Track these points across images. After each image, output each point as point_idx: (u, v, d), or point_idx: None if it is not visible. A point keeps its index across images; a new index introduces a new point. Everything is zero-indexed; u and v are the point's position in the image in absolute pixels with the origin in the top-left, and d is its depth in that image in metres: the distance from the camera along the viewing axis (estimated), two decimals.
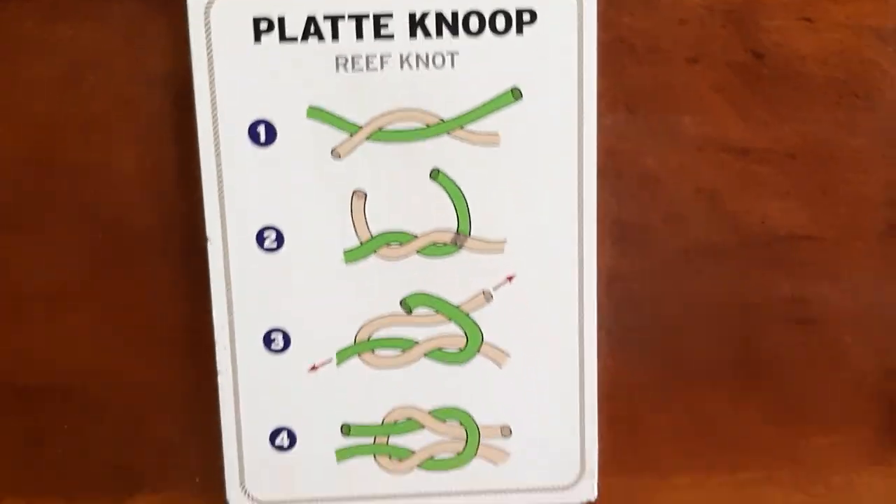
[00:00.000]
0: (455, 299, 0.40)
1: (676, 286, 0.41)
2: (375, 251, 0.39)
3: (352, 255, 0.39)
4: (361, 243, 0.39)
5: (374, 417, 0.40)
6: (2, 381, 0.40)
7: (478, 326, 0.40)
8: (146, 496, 0.41)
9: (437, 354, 0.40)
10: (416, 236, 0.39)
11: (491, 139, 0.38)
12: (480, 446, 0.41)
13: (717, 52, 0.39)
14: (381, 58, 0.37)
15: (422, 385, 0.40)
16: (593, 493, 0.42)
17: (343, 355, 0.40)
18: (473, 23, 0.37)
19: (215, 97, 0.37)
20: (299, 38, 0.37)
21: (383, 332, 0.40)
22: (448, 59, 0.38)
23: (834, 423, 0.42)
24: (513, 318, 0.40)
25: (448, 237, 0.39)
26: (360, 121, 0.38)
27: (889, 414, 0.42)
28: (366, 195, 0.38)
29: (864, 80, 0.39)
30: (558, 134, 0.38)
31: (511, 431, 0.41)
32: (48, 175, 0.38)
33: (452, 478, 0.41)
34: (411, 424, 0.41)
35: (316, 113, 0.38)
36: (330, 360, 0.40)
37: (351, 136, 0.38)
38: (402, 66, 0.38)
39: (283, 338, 0.40)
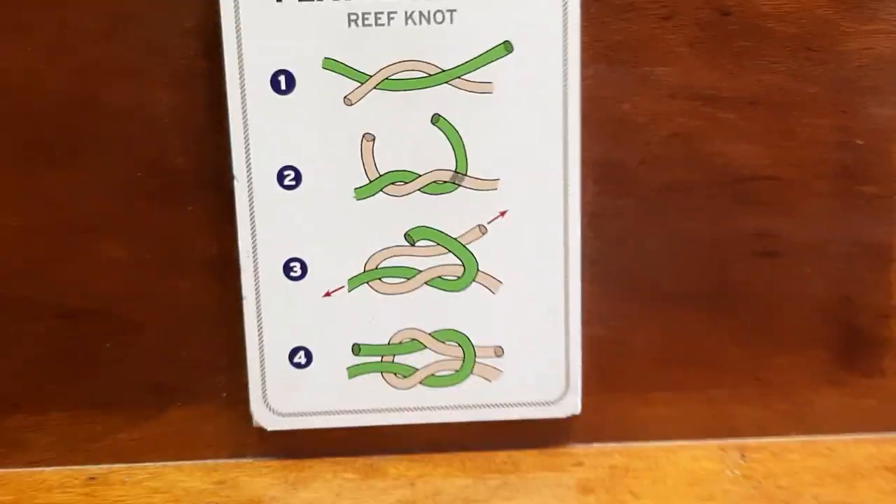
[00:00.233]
0: (453, 232, 0.44)
1: (652, 221, 0.45)
2: (382, 189, 0.43)
3: (361, 192, 0.43)
4: (370, 181, 0.43)
5: (382, 338, 0.45)
6: (48, 304, 0.44)
7: (473, 257, 0.44)
8: (178, 409, 0.45)
9: (438, 282, 0.45)
10: (418, 175, 0.43)
11: (485, 87, 0.42)
12: (476, 365, 0.46)
13: (688, 11, 0.43)
14: (388, 14, 0.42)
15: (424, 310, 0.45)
16: (577, 408, 0.46)
17: (354, 282, 0.44)
18: None
19: (241, 49, 0.41)
20: None
21: (389, 261, 0.44)
22: (447, 15, 0.42)
23: (795, 345, 0.46)
24: (505, 249, 0.44)
25: (447, 176, 0.44)
26: (370, 71, 0.42)
27: (844, 337, 0.46)
28: (374, 138, 0.43)
29: (817, 35, 0.43)
30: (545, 83, 0.43)
31: (503, 351, 0.45)
32: (90, 116, 0.43)
33: (451, 393, 0.46)
34: (414, 345, 0.45)
35: (330, 64, 0.42)
36: (342, 287, 0.44)
37: (361, 84, 0.42)
38: (406, 22, 0.42)
39: (301, 266, 0.44)
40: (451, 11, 0.42)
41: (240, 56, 0.41)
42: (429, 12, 0.41)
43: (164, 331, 0.45)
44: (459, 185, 0.43)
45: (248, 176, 0.43)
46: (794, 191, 0.45)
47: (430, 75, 0.42)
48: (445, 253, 0.44)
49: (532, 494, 0.43)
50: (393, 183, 0.43)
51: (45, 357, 0.45)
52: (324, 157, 0.43)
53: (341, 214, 0.43)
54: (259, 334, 0.45)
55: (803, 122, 0.44)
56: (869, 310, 0.46)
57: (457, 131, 0.43)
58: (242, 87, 0.42)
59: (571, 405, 0.46)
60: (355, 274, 0.44)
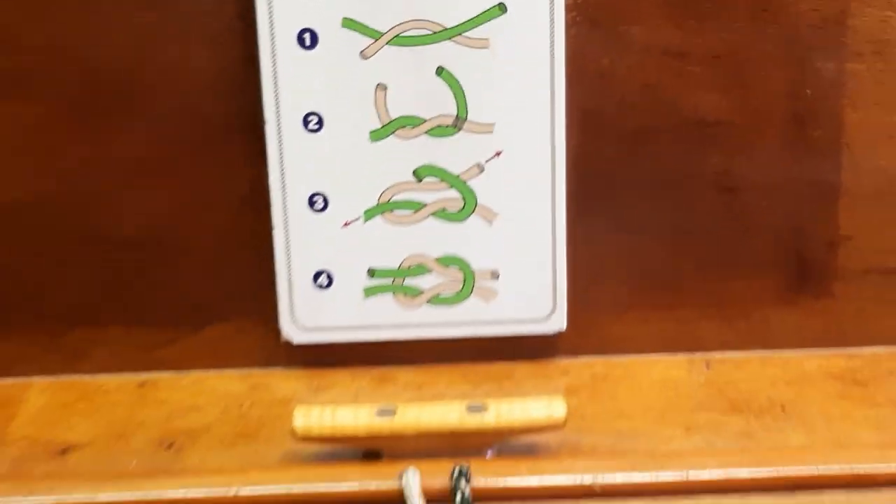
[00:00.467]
0: (455, 170, 0.50)
1: (628, 161, 0.51)
2: (394, 132, 0.50)
3: (376, 135, 0.50)
4: (383, 125, 0.50)
5: (393, 263, 0.52)
6: (106, 234, 0.51)
7: (473, 192, 0.51)
8: (217, 325, 0.52)
9: (441, 214, 0.51)
10: (425, 120, 0.50)
11: (482, 44, 0.49)
12: (475, 287, 0.52)
13: None
14: None
15: (429, 238, 0.51)
16: (563, 325, 0.52)
17: (369, 214, 0.51)
18: None
19: (272, 11, 0.48)
20: None
21: (400, 196, 0.51)
22: None
23: (753, 271, 0.53)
24: (500, 185, 0.51)
25: (450, 121, 0.50)
26: (382, 29, 0.48)
27: (796, 264, 0.53)
28: (386, 88, 0.49)
29: None
30: (535, 40, 0.49)
31: (499, 275, 0.52)
32: (142, 72, 0.49)
33: (453, 311, 0.52)
34: (421, 269, 0.52)
35: (348, 23, 0.48)
36: (359, 218, 0.51)
37: (375, 41, 0.48)
38: None
39: (323, 200, 0.50)
40: None
41: (270, 17, 0.48)
42: None
43: (205, 257, 0.51)
44: (460, 129, 0.50)
45: (277, 121, 0.49)
46: (751, 134, 0.51)
47: (435, 33, 0.48)
48: (448, 188, 0.51)
49: (524, 397, 0.49)
50: (403, 127, 0.50)
51: (104, 280, 0.52)
52: (343, 104, 0.49)
53: (358, 154, 0.50)
54: (287, 260, 0.51)
55: (759, 75, 0.51)
56: (818, 239, 0.52)
57: (458, 82, 0.49)
58: (273, 43, 0.48)
59: (558, 322, 0.52)
60: (370, 206, 0.51)
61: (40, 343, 0.52)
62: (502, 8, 0.48)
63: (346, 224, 0.51)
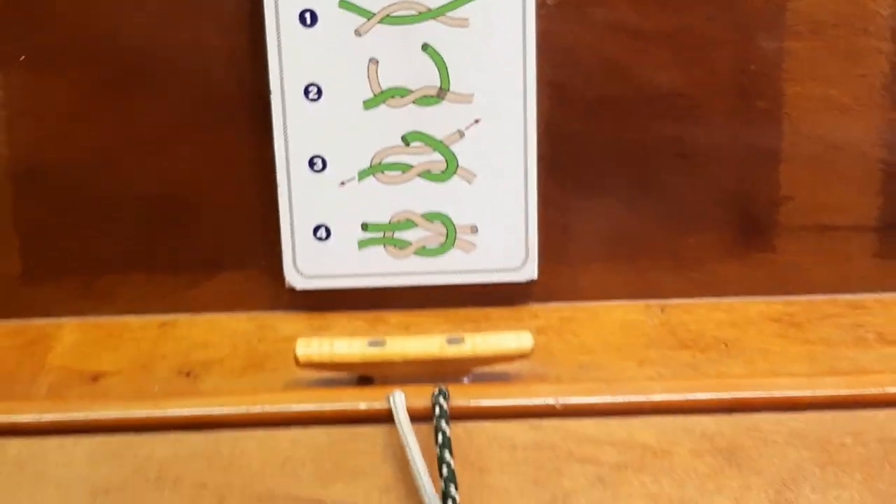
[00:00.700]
0: (439, 135, 0.57)
1: (592, 127, 0.58)
2: (384, 101, 0.56)
3: (368, 104, 0.56)
4: (374, 95, 0.56)
5: (384, 218, 0.58)
6: (131, 192, 0.57)
7: (454, 155, 0.57)
8: (229, 273, 0.58)
9: (427, 175, 0.57)
10: (412, 91, 0.56)
11: (463, 23, 0.55)
12: (456, 240, 0.58)
13: None
14: None
15: (416, 196, 0.58)
16: (534, 274, 0.59)
17: (362, 174, 0.57)
18: None
19: None
20: None
21: (389, 158, 0.57)
22: None
23: (704, 227, 0.59)
24: (479, 149, 0.57)
25: (434, 91, 0.56)
26: (374, 9, 0.54)
27: (742, 221, 0.59)
28: (378, 61, 0.55)
29: None
30: (509, 20, 0.55)
31: (478, 229, 0.58)
32: (162, 50, 0.56)
33: (437, 262, 0.59)
34: (409, 224, 0.58)
35: (345, 4, 0.55)
36: (353, 178, 0.57)
37: (368, 20, 0.55)
38: None
39: (322, 162, 0.57)
40: None
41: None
42: None
43: (219, 213, 0.58)
44: (443, 99, 0.56)
45: (281, 92, 0.56)
46: (702, 105, 0.57)
47: (421, 13, 0.55)
48: (433, 152, 0.57)
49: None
50: (392, 97, 0.56)
51: (130, 233, 0.58)
52: (339, 77, 0.55)
53: (352, 121, 0.56)
54: (290, 215, 0.58)
55: (710, 53, 0.57)
56: (761, 199, 0.58)
57: (441, 57, 0.55)
58: (277, 23, 0.55)
59: (530, 272, 0.59)
60: (363, 168, 0.57)
61: (73, 288, 0.58)
62: None
63: (342, 183, 0.57)
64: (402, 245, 0.59)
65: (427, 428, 0.48)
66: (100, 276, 0.58)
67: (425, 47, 0.56)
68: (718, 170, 0.58)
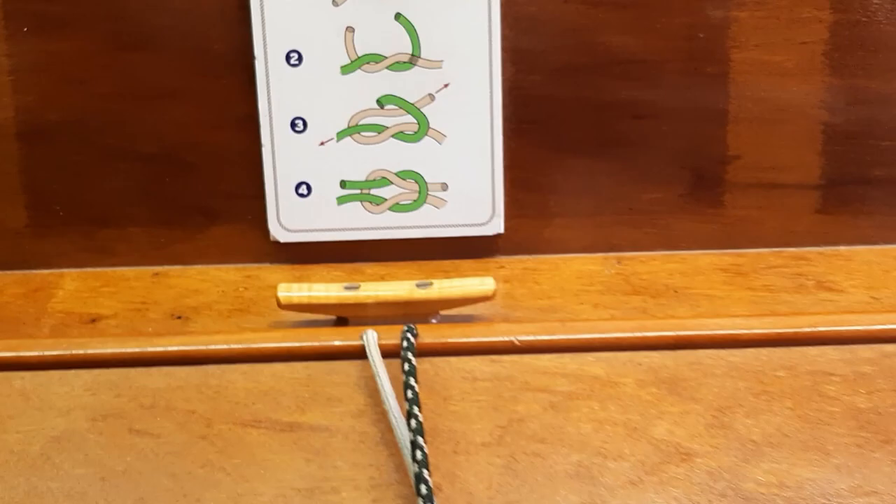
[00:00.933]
0: (411, 99, 0.61)
1: (554, 91, 0.62)
2: (360, 67, 0.60)
3: (346, 69, 0.60)
4: (351, 61, 0.60)
5: (361, 176, 0.62)
6: (129, 149, 0.61)
7: (425, 117, 0.61)
8: (219, 226, 0.63)
9: (400, 135, 0.62)
10: (385, 57, 0.60)
11: None
12: (428, 196, 0.63)
13: None
14: None
15: (390, 155, 0.62)
16: (501, 228, 0.63)
17: (341, 135, 0.62)
18: None
19: None
20: None
21: (365, 120, 0.61)
22: None
23: (659, 184, 0.63)
24: (448, 111, 0.61)
25: (406, 58, 0.60)
26: None
27: (694, 179, 0.63)
28: (354, 30, 0.60)
29: None
30: None
31: (448, 187, 0.63)
32: (158, 14, 0.60)
33: (411, 217, 0.63)
34: (384, 181, 0.62)
35: None
36: (332, 138, 0.62)
37: None
38: None
39: (303, 123, 0.61)
40: None
41: None
42: None
43: (208, 170, 0.62)
44: (415, 65, 0.60)
45: (265, 57, 0.60)
46: (657, 70, 0.62)
47: None
48: (405, 114, 0.61)
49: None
50: (367, 62, 0.60)
51: (128, 188, 0.63)
52: (318, 43, 0.60)
53: (331, 85, 0.61)
54: (273, 173, 0.62)
55: (662, 21, 0.61)
56: (711, 158, 0.63)
57: (413, 25, 0.60)
58: None
59: (497, 226, 0.63)
60: (341, 129, 0.61)
61: (74, 241, 0.63)
62: None
63: (321, 143, 0.62)
64: (378, 201, 0.63)
65: (397, 363, 0.53)
66: (99, 229, 0.63)
67: (398, 16, 0.60)
68: (671, 131, 0.63)
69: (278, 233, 0.63)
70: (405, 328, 0.54)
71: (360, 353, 0.54)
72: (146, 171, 0.62)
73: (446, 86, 0.61)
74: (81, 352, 0.54)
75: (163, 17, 0.60)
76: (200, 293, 0.61)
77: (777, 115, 0.62)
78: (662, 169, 0.63)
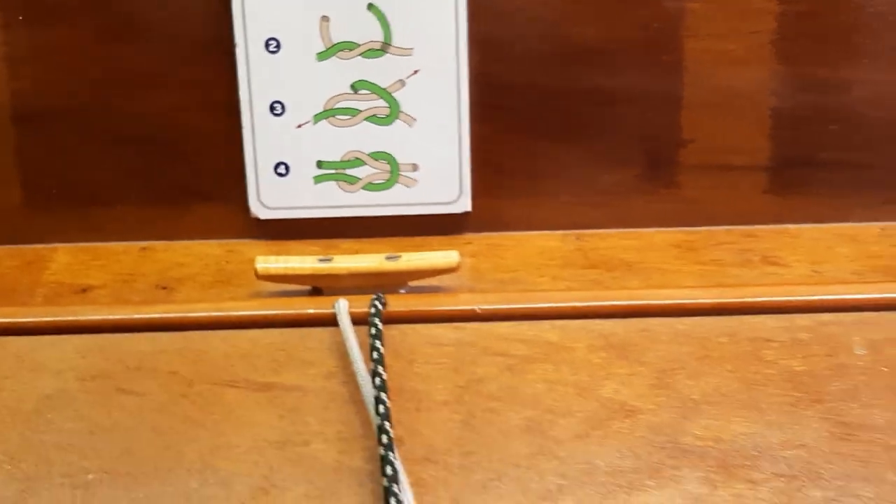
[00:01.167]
0: (383, 84, 0.65)
1: (519, 78, 0.66)
2: (335, 54, 0.64)
3: (321, 56, 0.64)
4: (327, 48, 0.64)
5: (336, 157, 0.66)
6: (116, 133, 0.65)
7: (397, 101, 0.65)
8: (202, 204, 0.67)
9: (373, 119, 0.66)
10: (359, 45, 0.64)
11: None
12: (399, 176, 0.67)
13: None
14: None
15: (363, 137, 0.66)
16: (468, 207, 0.67)
17: (317, 118, 0.65)
18: None
19: None
20: None
21: (340, 104, 0.65)
22: None
23: (617, 166, 0.67)
24: (418, 96, 0.65)
25: (378, 45, 0.64)
26: None
27: (650, 161, 0.67)
28: (329, 19, 0.63)
29: None
30: None
31: (418, 167, 0.66)
32: (145, 4, 0.63)
33: (383, 195, 0.67)
34: (358, 162, 0.66)
35: None
36: (309, 121, 0.65)
37: None
38: None
39: (282, 106, 0.65)
40: None
41: None
42: None
43: (192, 151, 0.66)
44: (386, 52, 0.64)
45: (245, 44, 0.64)
46: (615, 59, 0.66)
47: None
48: (378, 98, 0.65)
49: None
50: (342, 50, 0.64)
51: (117, 168, 0.67)
52: (296, 32, 0.64)
53: (308, 71, 0.64)
54: (254, 154, 0.66)
55: (621, 12, 0.65)
56: (666, 141, 0.67)
57: (384, 15, 0.64)
58: None
59: (464, 205, 0.67)
60: (318, 112, 0.65)
61: (66, 217, 0.67)
62: None
63: (299, 126, 0.66)
64: (352, 181, 0.67)
65: (366, 330, 0.56)
66: (90, 207, 0.67)
67: (370, 6, 0.64)
68: (629, 116, 0.67)
69: (258, 210, 0.67)
70: (374, 297, 0.57)
71: (332, 321, 0.58)
72: (134, 152, 0.66)
73: (416, 72, 0.65)
74: (72, 318, 0.58)
75: (149, 7, 0.64)
76: (184, 266, 0.65)
77: (728, 101, 0.66)
78: (620, 152, 0.67)
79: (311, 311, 0.58)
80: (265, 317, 0.58)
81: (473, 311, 0.58)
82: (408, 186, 0.67)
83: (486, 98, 0.66)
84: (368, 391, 0.52)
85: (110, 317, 0.58)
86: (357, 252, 0.67)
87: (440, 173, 0.66)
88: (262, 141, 0.65)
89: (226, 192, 0.67)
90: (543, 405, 0.53)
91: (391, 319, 0.58)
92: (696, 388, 0.54)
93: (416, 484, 0.48)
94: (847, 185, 0.67)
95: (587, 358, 0.56)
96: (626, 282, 0.62)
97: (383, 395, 0.51)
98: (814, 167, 0.67)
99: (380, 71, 0.65)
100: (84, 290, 0.62)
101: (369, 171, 0.67)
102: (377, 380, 0.52)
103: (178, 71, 0.65)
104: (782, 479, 0.49)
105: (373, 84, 0.65)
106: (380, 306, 0.56)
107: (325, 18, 0.64)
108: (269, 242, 0.67)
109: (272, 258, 0.60)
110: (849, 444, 0.50)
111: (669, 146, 0.67)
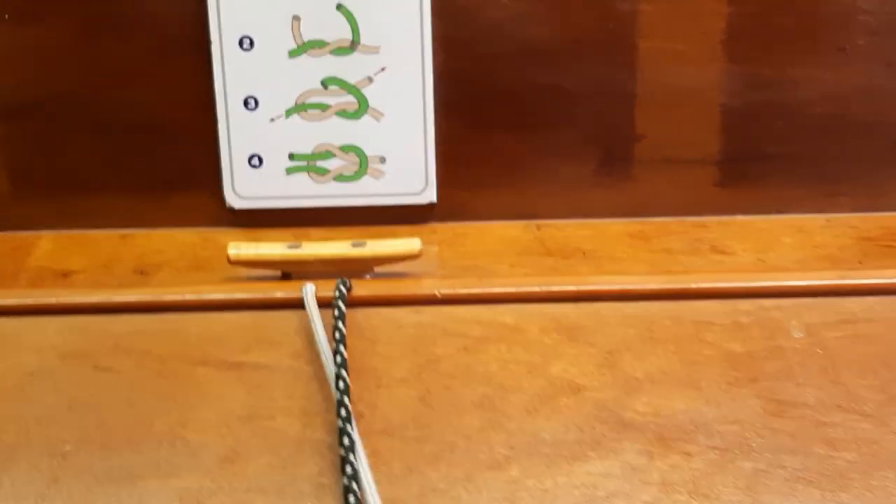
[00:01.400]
0: (352, 80, 0.68)
1: (481, 75, 0.69)
2: (306, 51, 0.67)
3: (293, 53, 0.67)
4: (298, 46, 0.67)
5: (307, 150, 0.69)
6: (97, 125, 0.69)
7: (365, 97, 0.68)
8: (179, 194, 0.70)
9: (343, 113, 0.69)
10: (328, 43, 0.67)
11: None
12: (368, 168, 0.70)
13: None
14: None
15: (333, 131, 0.69)
16: (433, 198, 0.70)
17: (289, 112, 0.69)
18: None
19: None
20: None
21: (311, 99, 0.68)
22: None
23: (575, 159, 0.70)
24: (385, 92, 0.68)
25: (347, 44, 0.67)
26: None
27: (606, 155, 0.70)
28: (300, 18, 0.67)
29: None
30: None
31: (385, 160, 0.70)
32: (123, 4, 0.67)
33: (352, 187, 0.70)
34: (328, 154, 0.69)
35: None
36: (281, 115, 0.69)
37: None
38: None
39: (255, 101, 0.68)
40: None
41: None
42: None
43: (170, 143, 0.69)
44: (355, 50, 0.67)
45: (220, 42, 0.67)
46: (572, 57, 0.69)
47: None
48: (347, 94, 0.68)
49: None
50: (313, 48, 0.67)
51: (98, 159, 0.70)
52: (269, 30, 0.67)
53: (280, 67, 0.68)
54: (229, 146, 0.69)
55: (577, 13, 0.68)
56: (621, 136, 0.70)
57: (352, 14, 0.67)
58: None
59: (430, 196, 0.70)
60: (290, 107, 0.68)
61: (50, 206, 0.70)
62: None
63: (272, 120, 0.69)
64: (323, 172, 0.70)
65: (331, 312, 0.60)
66: (73, 196, 0.70)
67: (339, 7, 0.67)
68: (585, 112, 0.70)
69: (233, 200, 0.70)
70: (339, 281, 0.61)
71: (300, 304, 0.61)
72: (115, 144, 0.69)
73: (383, 69, 0.68)
74: (54, 301, 0.61)
75: (129, 5, 0.67)
76: (161, 252, 0.68)
77: (680, 98, 0.69)
78: (577, 146, 0.70)
79: (280, 294, 0.61)
80: (236, 300, 0.61)
81: (434, 295, 0.61)
82: (376, 178, 0.70)
83: (451, 94, 0.69)
84: (330, 369, 0.55)
85: (90, 299, 0.61)
86: (327, 240, 0.70)
87: (406, 166, 0.70)
88: (236, 134, 0.69)
89: (202, 182, 0.70)
90: (496, 382, 0.56)
91: (356, 303, 0.61)
92: (640, 368, 0.57)
93: (374, 454, 0.51)
94: (793, 178, 0.71)
95: (539, 339, 0.59)
96: (580, 269, 0.66)
97: (343, 373, 0.54)
98: (761, 161, 0.71)
99: (349, 68, 0.68)
100: (66, 275, 0.66)
101: (339, 163, 0.70)
102: (338, 358, 0.55)
103: (156, 66, 0.68)
104: (716, 451, 0.52)
105: (342, 81, 0.68)
106: (344, 290, 0.60)
107: (296, 18, 0.67)
108: (244, 231, 0.71)
109: (243, 244, 0.63)
110: (780, 420, 0.54)
111: (624, 141, 0.70)
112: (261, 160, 0.69)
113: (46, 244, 0.70)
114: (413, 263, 0.65)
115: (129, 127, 0.69)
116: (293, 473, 0.51)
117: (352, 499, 0.48)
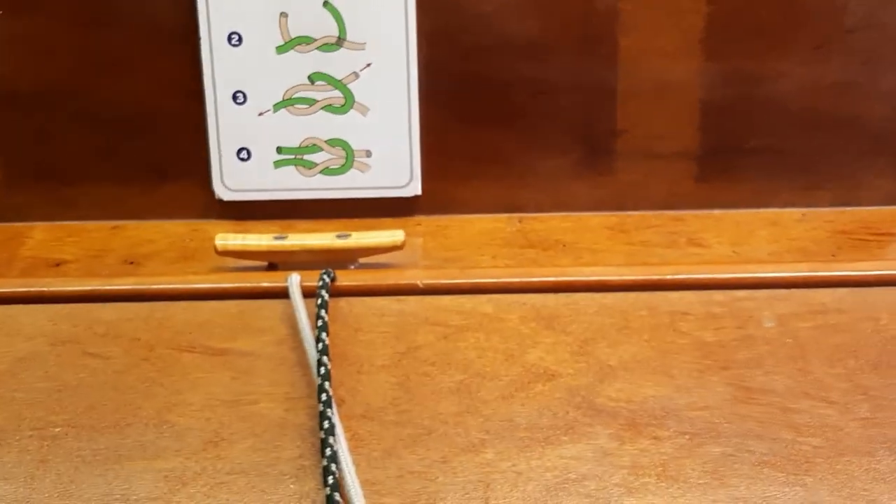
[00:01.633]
0: (338, 76, 0.70)
1: (465, 69, 0.70)
2: (294, 47, 0.69)
3: (280, 49, 0.69)
4: (285, 42, 0.69)
5: (295, 143, 0.71)
6: (88, 115, 0.70)
7: (351, 92, 0.70)
8: (169, 186, 0.72)
9: (329, 108, 0.70)
10: (315, 39, 0.69)
11: None
12: (354, 162, 0.71)
13: None
14: None
15: (320, 125, 0.71)
16: (418, 191, 0.72)
17: (277, 107, 0.70)
18: None
19: None
20: None
21: (298, 94, 0.70)
22: None
23: (557, 153, 0.72)
24: (371, 87, 0.70)
25: (334, 40, 0.69)
26: None
27: (588, 148, 0.72)
28: (287, 15, 0.68)
29: None
30: None
31: (371, 153, 0.71)
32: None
33: (338, 180, 0.72)
34: (315, 148, 0.71)
35: None
36: (269, 110, 0.70)
37: None
38: None
39: (244, 95, 0.70)
40: None
41: None
42: None
43: (161, 136, 0.71)
44: (341, 47, 0.69)
45: (209, 37, 0.68)
46: (554, 52, 0.70)
47: None
48: (333, 89, 0.70)
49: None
50: (300, 44, 0.69)
51: (90, 150, 0.71)
52: (257, 26, 0.69)
53: (268, 63, 0.69)
54: (218, 139, 0.71)
55: (560, 9, 0.69)
56: (602, 131, 0.72)
57: (339, 11, 0.68)
58: None
59: (415, 188, 0.72)
60: (277, 101, 0.70)
61: (42, 197, 0.72)
62: None
63: (260, 114, 0.70)
64: (310, 165, 0.71)
65: (315, 302, 0.61)
66: (65, 187, 0.72)
67: (326, 4, 0.68)
68: (568, 106, 0.71)
69: (222, 192, 0.72)
70: (323, 271, 0.62)
71: (285, 294, 0.62)
72: (106, 135, 0.71)
73: (369, 65, 0.70)
74: (46, 289, 0.63)
75: (122, 2, 0.69)
76: (151, 243, 0.70)
77: (660, 93, 0.71)
78: (560, 139, 0.72)
79: (266, 284, 0.63)
80: (224, 289, 0.63)
81: (416, 285, 0.63)
82: (362, 171, 0.72)
83: (435, 89, 0.71)
84: (313, 355, 0.57)
85: (80, 288, 0.63)
86: (314, 232, 0.71)
87: (392, 159, 0.71)
88: (225, 127, 0.70)
89: (191, 175, 0.71)
90: (473, 369, 0.58)
91: (341, 292, 0.63)
92: (614, 356, 0.59)
93: (354, 438, 0.53)
94: (772, 173, 0.73)
95: (517, 328, 0.60)
96: (559, 260, 0.67)
97: (325, 359, 0.55)
98: (740, 155, 0.72)
99: (335, 63, 0.69)
100: (58, 264, 0.67)
101: (326, 156, 0.71)
102: (320, 345, 0.56)
103: (147, 60, 0.70)
104: (685, 436, 0.54)
105: (329, 76, 0.70)
106: (327, 280, 0.61)
107: (283, 14, 0.68)
108: (232, 222, 0.72)
109: (230, 236, 0.65)
110: (748, 407, 0.55)
111: (605, 135, 0.72)
112: (249, 153, 0.71)
113: (39, 234, 0.71)
114: (397, 255, 0.66)
115: (121, 119, 0.70)
116: (275, 456, 0.52)
117: (330, 480, 0.50)
